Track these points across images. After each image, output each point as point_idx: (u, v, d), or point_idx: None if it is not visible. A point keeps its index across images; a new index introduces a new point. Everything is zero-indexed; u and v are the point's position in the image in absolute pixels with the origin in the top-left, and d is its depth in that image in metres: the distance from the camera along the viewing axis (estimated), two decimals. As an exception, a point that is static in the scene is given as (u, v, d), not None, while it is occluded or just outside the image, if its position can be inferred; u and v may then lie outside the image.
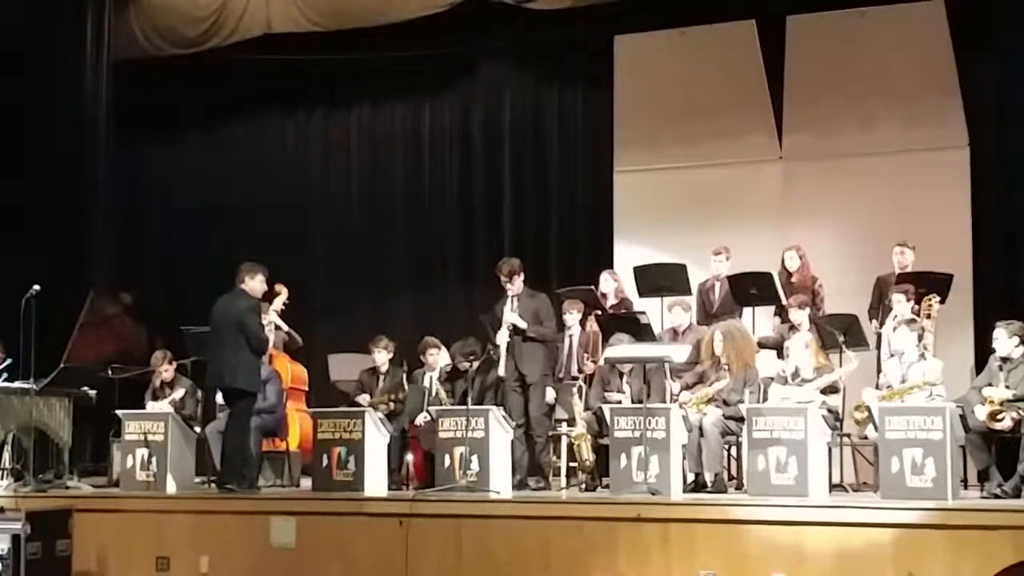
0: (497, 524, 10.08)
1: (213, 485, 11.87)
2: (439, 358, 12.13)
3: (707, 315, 12.51)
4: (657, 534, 9.57)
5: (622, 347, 11.12)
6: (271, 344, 12.06)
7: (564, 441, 11.49)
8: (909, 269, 12.14)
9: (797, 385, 10.57)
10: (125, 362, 13.18)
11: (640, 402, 10.64)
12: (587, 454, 10.96)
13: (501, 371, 11.28)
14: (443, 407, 11.45)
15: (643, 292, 12.78)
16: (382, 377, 12.25)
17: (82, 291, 13.79)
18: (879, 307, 12.13)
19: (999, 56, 13.67)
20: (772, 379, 10.95)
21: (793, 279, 12.33)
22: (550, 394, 11.57)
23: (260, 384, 11.43)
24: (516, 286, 11.41)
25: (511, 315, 11.26)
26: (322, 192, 16.36)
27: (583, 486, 11.11)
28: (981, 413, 9.86)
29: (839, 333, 11.19)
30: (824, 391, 10.56)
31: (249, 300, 11.25)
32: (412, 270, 15.79)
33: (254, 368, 11.25)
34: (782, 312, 12.09)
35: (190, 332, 12.72)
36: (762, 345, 11.64)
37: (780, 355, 11.43)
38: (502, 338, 11.24)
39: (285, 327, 13.10)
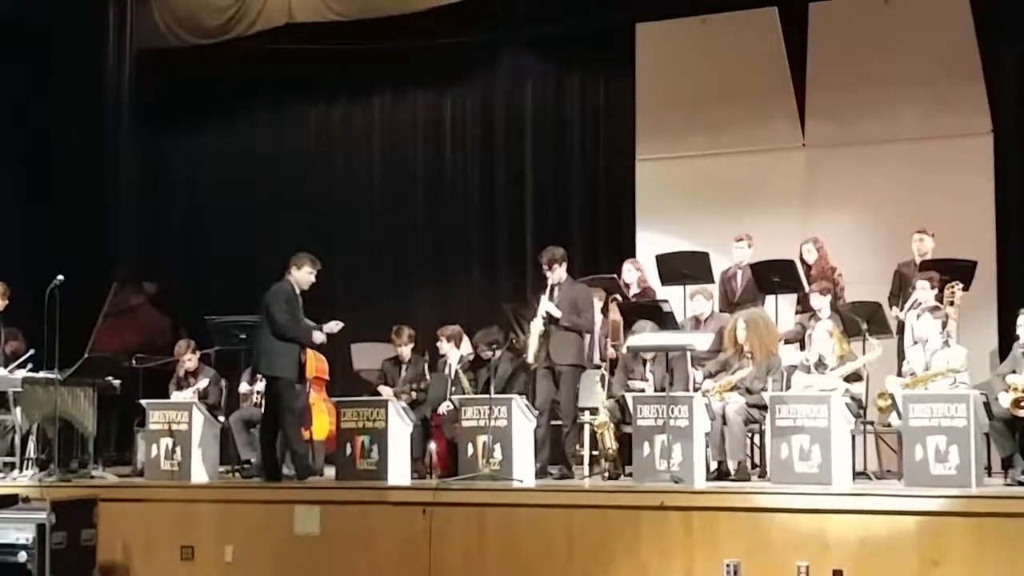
0: (520, 512, 10.10)
1: (237, 474, 11.91)
2: (452, 346, 12.12)
3: (729, 303, 12.50)
4: (680, 522, 9.57)
5: (645, 335, 11.12)
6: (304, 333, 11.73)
7: (587, 429, 11.48)
8: (929, 256, 12.09)
9: (820, 373, 10.56)
10: (149, 352, 13.21)
11: (663, 390, 10.64)
12: (610, 442, 10.96)
13: (530, 357, 11.24)
14: (466, 396, 11.47)
15: (665, 280, 12.77)
16: (404, 366, 12.28)
17: (106, 281, 13.83)
18: (899, 294, 12.10)
19: (1023, 41, 13.61)
20: (795, 367, 10.93)
21: (812, 271, 12.30)
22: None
23: (293, 370, 11.38)
24: (557, 275, 11.32)
25: (547, 303, 11.22)
26: (344, 181, 16.37)
27: (606, 474, 11.12)
28: (1005, 400, 9.83)
29: (862, 321, 11.16)
30: (847, 379, 10.54)
31: (281, 286, 11.34)
32: (434, 259, 15.81)
33: (280, 354, 11.24)
34: (804, 302, 12.07)
35: (213, 322, 12.74)
36: (785, 341, 11.60)
37: (802, 347, 11.41)
38: (536, 325, 11.20)
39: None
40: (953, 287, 11.30)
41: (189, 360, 12.45)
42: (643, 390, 11.11)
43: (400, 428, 11.21)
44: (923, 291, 11.28)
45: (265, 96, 16.55)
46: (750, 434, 10.95)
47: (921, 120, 13.61)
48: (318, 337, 11.48)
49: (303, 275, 11.43)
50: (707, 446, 10.52)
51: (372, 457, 11.09)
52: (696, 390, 10.83)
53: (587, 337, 11.65)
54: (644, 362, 11.34)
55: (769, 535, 9.34)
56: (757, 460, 11.25)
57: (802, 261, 12.41)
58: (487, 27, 15.20)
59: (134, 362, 12.93)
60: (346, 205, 16.25)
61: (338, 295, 15.34)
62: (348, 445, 11.22)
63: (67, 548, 10.03)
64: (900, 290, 12.12)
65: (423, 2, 14.56)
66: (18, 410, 11.81)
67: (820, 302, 11.47)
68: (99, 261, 14.70)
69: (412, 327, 12.52)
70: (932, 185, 13.30)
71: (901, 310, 11.78)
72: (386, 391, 12.03)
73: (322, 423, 12.55)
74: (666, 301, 12.17)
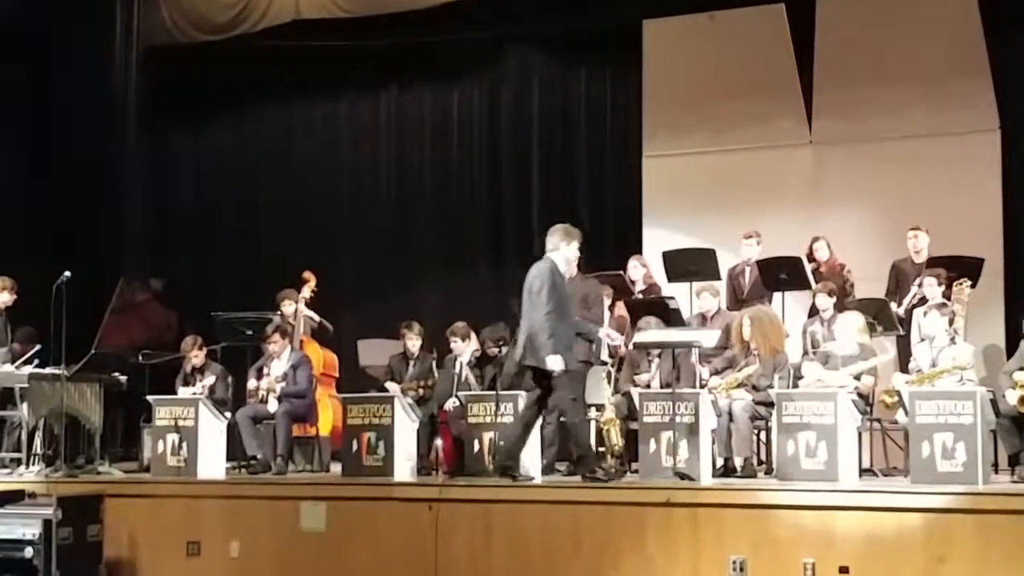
0: (526, 509, 10.07)
1: (244, 470, 11.92)
2: (466, 345, 12.11)
3: (737, 300, 12.50)
4: (686, 519, 9.55)
5: (651, 332, 11.09)
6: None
7: (593, 426, 11.47)
8: (924, 252, 12.13)
9: (832, 368, 10.54)
10: (155, 348, 13.23)
11: (669, 387, 10.62)
12: (616, 439, 10.93)
13: None
14: (472, 392, 11.46)
15: (672, 277, 12.77)
16: (412, 363, 12.28)
17: (113, 277, 13.84)
18: (896, 291, 12.13)
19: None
20: (813, 356, 10.95)
21: (822, 268, 12.31)
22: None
23: (569, 358, 10.17)
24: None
25: None
26: (351, 177, 16.38)
27: (612, 471, 11.10)
28: (1012, 397, 9.81)
29: (869, 318, 11.16)
30: (857, 376, 10.53)
31: (547, 265, 10.27)
32: (441, 255, 15.81)
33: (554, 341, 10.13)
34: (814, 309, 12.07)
35: (220, 318, 12.75)
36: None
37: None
38: None
39: (316, 316, 13.17)
40: (961, 284, 11.30)
41: (196, 356, 12.44)
42: (649, 386, 11.11)
43: (406, 424, 11.20)
44: (930, 288, 11.29)
45: (272, 92, 16.55)
46: (756, 431, 10.95)
47: (928, 116, 13.62)
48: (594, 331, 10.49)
49: (573, 251, 10.42)
50: (713, 443, 10.53)
51: (378, 453, 11.07)
52: (703, 387, 10.83)
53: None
54: (649, 354, 11.31)
55: (775, 532, 9.32)
56: (763, 457, 11.25)
57: (811, 258, 12.40)
58: (494, 23, 15.21)
59: (140, 358, 12.95)
60: (353, 201, 16.26)
61: (345, 291, 15.36)
62: (354, 441, 11.21)
63: (73, 544, 10.02)
64: (897, 287, 12.15)
65: (429, -1, 14.58)
66: (24, 406, 11.81)
67: (825, 303, 11.48)
68: (107, 257, 14.70)
69: (419, 324, 12.52)
70: (939, 181, 13.31)
71: (899, 306, 11.81)
72: (393, 387, 12.03)
73: (326, 419, 12.59)
74: (673, 298, 12.16)
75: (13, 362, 12.12)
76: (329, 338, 13.33)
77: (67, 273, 11.33)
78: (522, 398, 10.78)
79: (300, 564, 10.54)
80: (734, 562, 9.35)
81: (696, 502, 9.62)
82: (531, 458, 10.69)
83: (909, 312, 11.69)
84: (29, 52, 14.92)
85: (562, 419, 10.62)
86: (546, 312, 10.11)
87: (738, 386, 10.81)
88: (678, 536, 9.54)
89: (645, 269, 12.76)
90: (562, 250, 10.40)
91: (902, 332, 11.62)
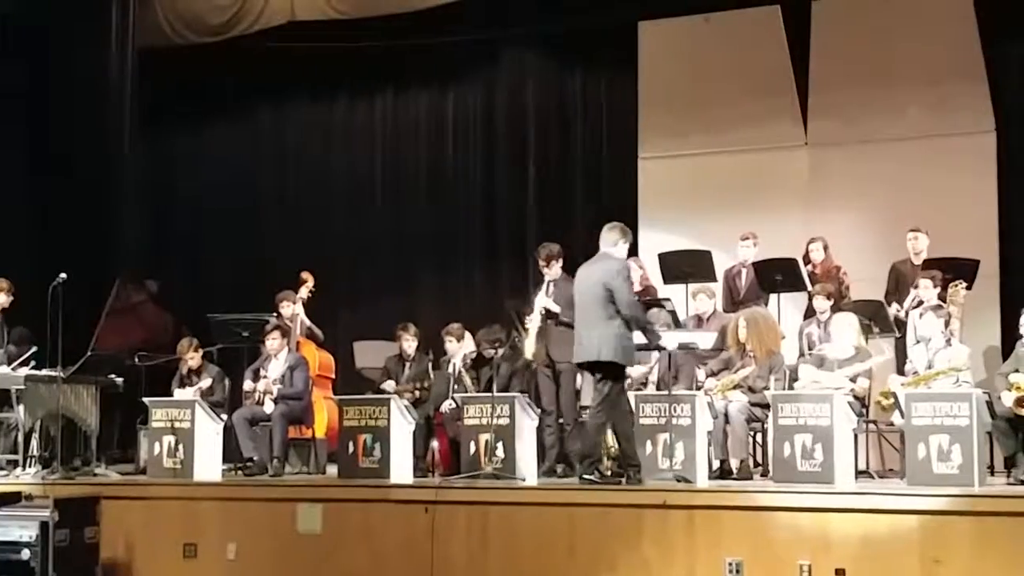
0: (523, 511, 10.08)
1: (240, 472, 11.91)
2: (460, 346, 12.11)
3: (733, 302, 12.52)
4: (682, 521, 9.55)
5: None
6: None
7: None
8: (924, 253, 12.15)
9: (828, 371, 10.54)
10: (151, 350, 13.21)
11: (665, 388, 10.62)
12: (612, 441, 10.93)
13: (528, 355, 11.18)
14: (468, 394, 11.46)
15: (668, 279, 12.78)
16: (408, 364, 12.29)
17: (108, 279, 13.82)
18: (896, 292, 12.14)
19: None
20: (808, 358, 10.94)
21: (817, 270, 12.33)
22: (578, 380, 11.54)
23: (629, 357, 10.29)
24: (554, 271, 11.18)
25: (545, 299, 11.10)
26: (346, 179, 16.38)
27: (608, 473, 11.09)
28: (1007, 399, 9.83)
29: (865, 319, 11.17)
30: (852, 377, 10.53)
31: (609, 258, 10.24)
32: (436, 257, 15.81)
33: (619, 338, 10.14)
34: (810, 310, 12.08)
35: (216, 319, 12.75)
36: None
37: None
38: (534, 321, 11.08)
39: (307, 321, 13.16)
40: (956, 286, 11.31)
41: (192, 359, 12.41)
42: (645, 381, 11.11)
43: (402, 426, 11.20)
44: (926, 290, 11.31)
45: (267, 94, 16.56)
46: (752, 433, 10.96)
47: (924, 118, 13.65)
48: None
49: (624, 251, 10.36)
50: (709, 445, 10.53)
51: (374, 455, 11.08)
52: (699, 389, 10.84)
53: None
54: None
55: (771, 534, 9.32)
56: (759, 459, 11.26)
57: (807, 260, 12.42)
58: (489, 25, 15.20)
59: (137, 360, 12.93)
60: (348, 203, 16.25)
61: (340, 293, 15.36)
62: (350, 443, 11.21)
63: (70, 546, 10.02)
64: (896, 288, 12.17)
65: (425, 0, 14.55)
66: (21, 408, 11.79)
67: (823, 305, 11.51)
68: (102, 259, 14.68)
69: (415, 325, 12.53)
70: (935, 183, 13.32)
71: (900, 308, 11.82)
72: (389, 387, 12.04)
73: (322, 420, 12.59)
74: (668, 299, 12.16)
75: (9, 364, 12.11)
76: (320, 342, 13.32)
77: (63, 275, 11.31)
78: (518, 399, 10.78)
79: (297, 566, 10.55)
80: (730, 564, 9.36)
81: (692, 504, 9.63)
82: (527, 461, 10.70)
83: (908, 314, 11.70)
84: (28, 52, 14.90)
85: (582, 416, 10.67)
86: (632, 301, 10.13)
87: (734, 388, 10.82)
88: (674, 538, 9.55)
89: (641, 271, 12.73)
90: (619, 247, 10.33)
91: (899, 334, 11.64)
